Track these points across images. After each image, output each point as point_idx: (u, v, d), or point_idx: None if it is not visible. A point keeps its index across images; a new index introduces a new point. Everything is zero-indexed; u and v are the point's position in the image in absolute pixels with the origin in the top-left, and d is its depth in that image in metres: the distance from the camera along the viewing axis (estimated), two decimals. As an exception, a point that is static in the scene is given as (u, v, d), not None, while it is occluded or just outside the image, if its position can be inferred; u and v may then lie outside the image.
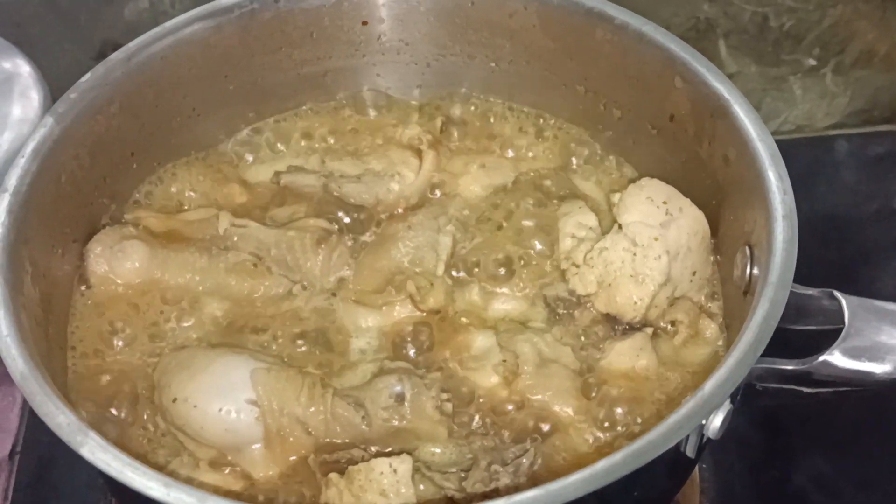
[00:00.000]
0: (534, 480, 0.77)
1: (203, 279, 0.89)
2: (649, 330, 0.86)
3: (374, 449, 0.79)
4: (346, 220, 0.94)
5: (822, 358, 0.76)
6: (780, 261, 0.75)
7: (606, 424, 0.81)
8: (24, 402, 1.03)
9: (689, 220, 0.87)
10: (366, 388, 0.81)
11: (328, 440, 0.79)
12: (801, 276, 0.76)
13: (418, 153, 0.98)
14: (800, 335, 0.81)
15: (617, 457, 0.66)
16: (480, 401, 0.82)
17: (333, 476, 0.76)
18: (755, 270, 0.81)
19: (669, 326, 0.86)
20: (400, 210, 0.95)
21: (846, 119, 1.33)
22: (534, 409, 0.82)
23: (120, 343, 0.87)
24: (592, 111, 0.99)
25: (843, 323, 0.77)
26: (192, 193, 0.97)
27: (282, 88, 1.02)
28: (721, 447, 0.93)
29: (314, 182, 0.96)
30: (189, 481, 0.78)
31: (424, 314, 0.88)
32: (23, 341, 0.74)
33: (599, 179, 0.99)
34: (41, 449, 1.02)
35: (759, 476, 1.00)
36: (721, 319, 0.88)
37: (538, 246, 0.92)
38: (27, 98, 0.95)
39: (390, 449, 0.79)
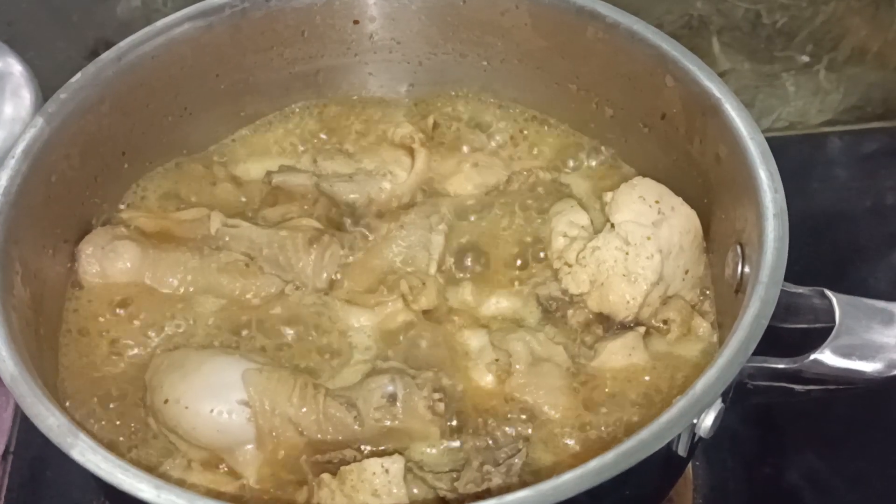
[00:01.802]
0: (526, 480, 0.77)
1: (195, 279, 0.89)
2: (641, 329, 0.86)
3: (366, 449, 0.79)
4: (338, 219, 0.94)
5: (813, 356, 0.76)
6: (771, 259, 0.75)
7: (598, 423, 0.81)
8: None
9: (682, 219, 0.87)
10: (358, 388, 0.81)
11: (320, 440, 0.79)
12: (793, 274, 0.76)
13: (410, 152, 0.97)
14: (791, 333, 0.81)
15: (609, 456, 0.66)
16: (473, 400, 0.82)
17: (325, 476, 0.76)
18: (746, 269, 0.81)
19: (662, 325, 0.87)
20: (392, 209, 0.95)
21: (839, 116, 1.33)
22: (526, 409, 0.82)
23: (111, 344, 0.86)
24: (584, 110, 0.99)
25: (834, 321, 0.77)
26: (183, 193, 0.97)
27: (273, 87, 1.02)
28: (714, 445, 0.93)
29: (306, 181, 0.96)
30: (181, 483, 0.78)
31: (417, 313, 0.88)
32: (13, 342, 0.74)
33: (591, 178, 0.99)
34: (34, 449, 1.01)
35: (751, 473, 1.00)
36: (713, 318, 0.88)
37: (530, 245, 0.92)
38: (19, 97, 0.94)
39: (383, 448, 0.79)
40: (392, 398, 0.79)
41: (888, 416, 1.01)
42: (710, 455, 0.99)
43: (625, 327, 0.86)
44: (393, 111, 1.04)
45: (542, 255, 0.91)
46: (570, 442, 0.80)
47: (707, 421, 0.71)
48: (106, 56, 0.90)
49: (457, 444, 0.80)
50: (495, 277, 0.91)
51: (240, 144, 1.02)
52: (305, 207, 0.95)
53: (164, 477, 0.75)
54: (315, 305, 0.89)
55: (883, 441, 1.01)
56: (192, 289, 0.89)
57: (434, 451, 0.80)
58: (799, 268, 0.77)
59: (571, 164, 1.00)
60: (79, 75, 0.89)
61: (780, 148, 0.82)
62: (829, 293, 0.79)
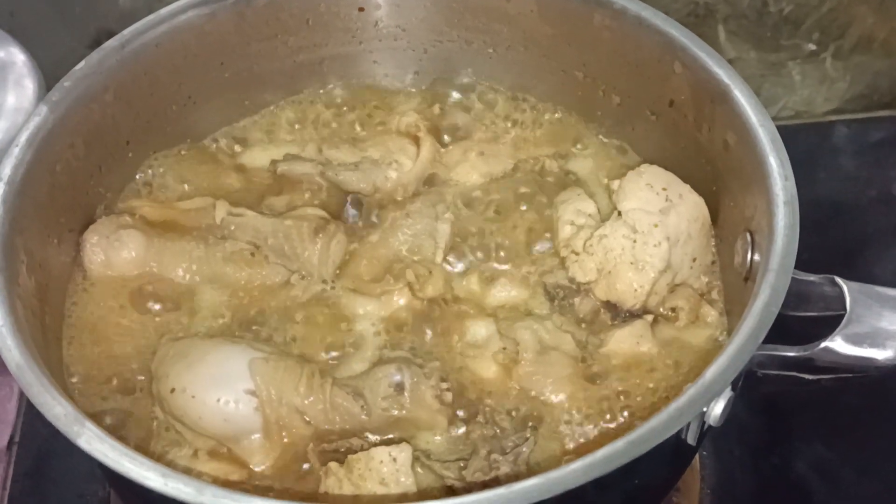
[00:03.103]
0: (534, 469, 0.77)
1: (200, 268, 0.89)
2: (649, 317, 0.85)
3: (373, 438, 0.79)
4: (344, 208, 0.94)
5: (823, 344, 0.76)
6: (782, 247, 0.75)
7: (607, 411, 0.81)
8: (22, 392, 1.02)
9: (689, 207, 0.87)
10: (365, 377, 0.81)
11: (327, 429, 0.78)
12: (800, 262, 0.75)
13: (416, 140, 0.97)
14: (801, 321, 0.80)
15: (618, 444, 0.65)
16: (480, 389, 0.82)
17: (333, 465, 0.76)
18: (756, 257, 0.80)
19: (670, 313, 0.86)
20: (398, 198, 0.95)
21: (845, 104, 1.33)
22: (534, 397, 0.82)
23: (117, 333, 0.86)
24: (591, 97, 0.99)
25: (845, 309, 0.77)
26: (188, 182, 0.96)
27: (278, 76, 1.01)
28: (722, 434, 0.93)
29: (311, 170, 0.95)
30: (187, 471, 0.77)
31: (423, 302, 0.87)
32: (19, 332, 0.73)
33: (598, 166, 0.98)
34: (39, 439, 1.02)
35: (759, 462, 1.00)
36: (721, 306, 0.88)
37: (537, 233, 0.91)
38: (21, 87, 0.94)
39: (390, 437, 0.79)
40: (399, 387, 0.79)
41: (896, 404, 1.01)
42: (718, 445, 0.99)
43: (632, 315, 0.86)
44: (398, 99, 1.04)
45: (548, 243, 0.91)
46: (579, 430, 0.80)
47: (717, 409, 0.70)
48: (109, 44, 0.90)
49: (464, 432, 0.79)
50: (502, 266, 0.90)
51: (244, 133, 1.02)
52: (311, 196, 0.94)
53: (171, 466, 0.74)
54: (321, 294, 0.88)
55: (891, 430, 1.01)
56: (197, 278, 0.89)
57: (441, 439, 0.79)
58: (806, 256, 0.76)
59: (578, 151, 0.99)
60: (82, 63, 0.88)
61: (786, 137, 0.82)
62: (839, 281, 0.78)
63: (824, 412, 1.01)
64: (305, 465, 0.78)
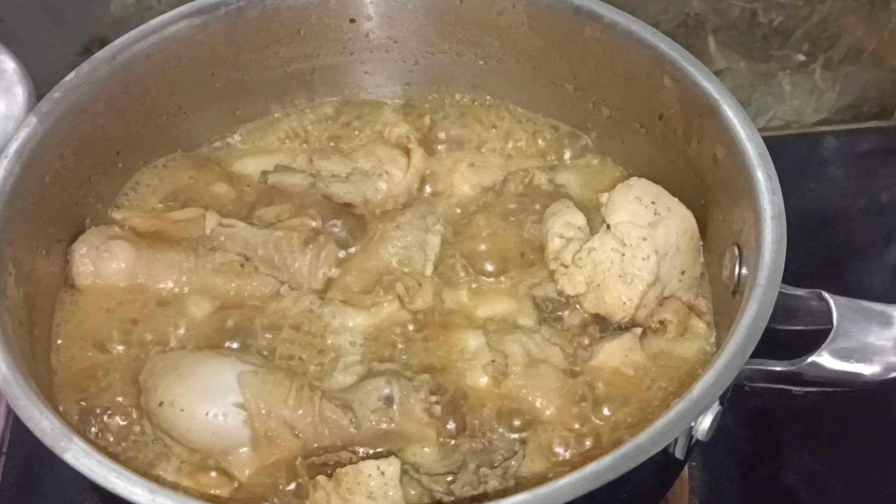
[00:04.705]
0: (522, 483, 0.77)
1: (190, 279, 0.89)
2: (638, 330, 0.85)
3: (362, 451, 0.79)
4: (334, 219, 0.94)
5: (810, 359, 0.76)
6: (769, 261, 0.75)
7: (595, 425, 0.81)
8: (10, 403, 1.02)
9: (678, 220, 0.87)
10: (354, 390, 0.81)
11: (316, 443, 0.78)
12: (789, 273, 0.75)
13: (406, 152, 0.97)
14: (789, 335, 0.81)
15: (606, 460, 0.65)
16: (469, 402, 0.82)
17: (321, 479, 0.76)
18: (744, 271, 0.81)
19: (658, 326, 0.86)
20: (388, 209, 0.95)
21: (834, 115, 1.33)
22: (523, 410, 0.82)
23: (106, 345, 0.86)
24: (581, 110, 0.99)
25: (832, 324, 0.77)
26: (178, 193, 0.96)
27: (269, 86, 1.01)
28: (710, 446, 0.93)
29: (302, 181, 0.96)
30: (175, 486, 0.78)
31: (413, 314, 0.87)
32: (6, 344, 0.73)
33: (588, 178, 0.98)
34: (27, 449, 1.01)
35: (748, 475, 1.00)
36: (710, 318, 0.88)
37: (527, 246, 0.92)
38: (12, 94, 0.94)
39: (379, 450, 0.79)
40: (388, 400, 0.79)
41: (884, 416, 1.01)
42: (707, 456, 0.99)
43: (621, 328, 0.86)
44: (389, 110, 1.04)
45: (538, 256, 0.91)
46: (567, 444, 0.80)
47: (704, 424, 0.71)
48: (100, 55, 0.90)
49: (453, 446, 0.79)
50: (491, 278, 0.90)
51: (235, 144, 1.02)
52: (301, 207, 0.94)
53: (159, 480, 0.75)
54: (310, 306, 0.88)
55: (879, 442, 1.01)
56: (186, 289, 0.89)
57: (430, 452, 0.79)
58: (794, 267, 0.77)
59: (568, 164, 1.00)
60: (73, 74, 0.88)
61: (775, 147, 0.82)
62: (826, 295, 0.79)
63: (812, 424, 1.01)
64: (293, 479, 0.78)
